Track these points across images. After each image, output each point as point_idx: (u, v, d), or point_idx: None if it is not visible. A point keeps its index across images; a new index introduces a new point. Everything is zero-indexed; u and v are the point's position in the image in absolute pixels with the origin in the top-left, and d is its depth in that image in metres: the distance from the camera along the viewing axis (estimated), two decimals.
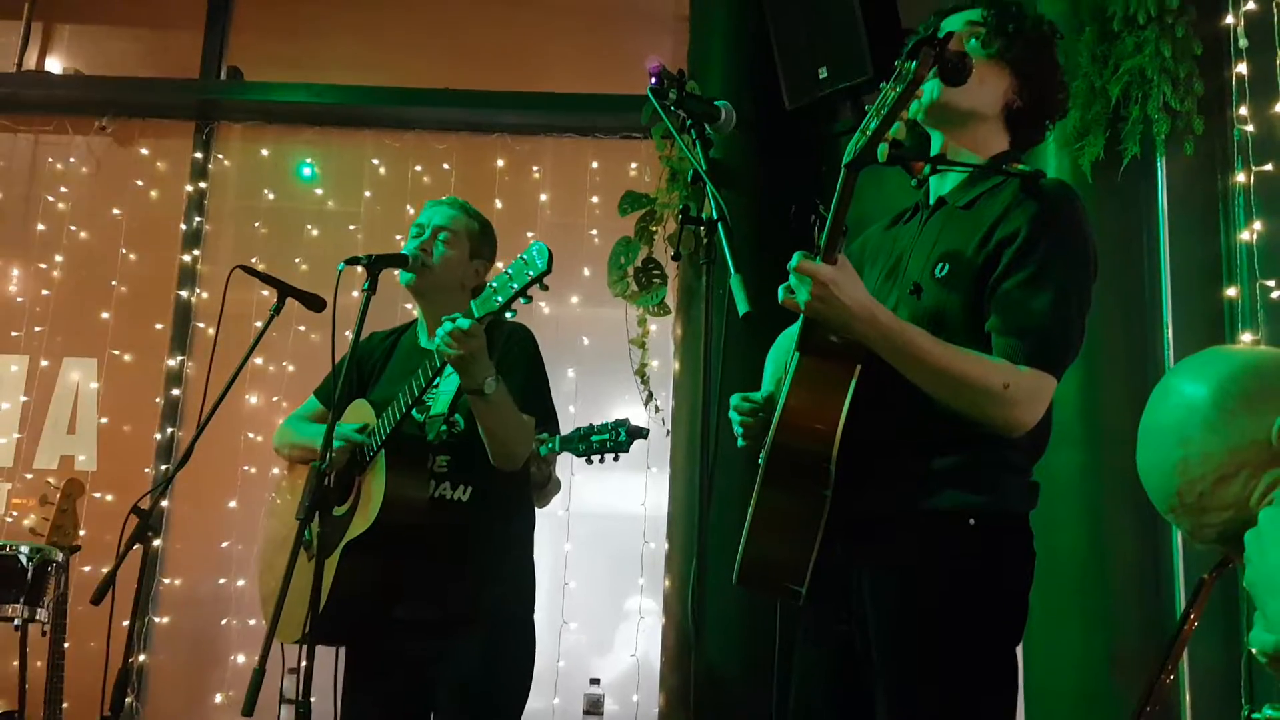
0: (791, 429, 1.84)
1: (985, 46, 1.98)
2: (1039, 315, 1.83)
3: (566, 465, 2.70)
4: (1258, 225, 3.12)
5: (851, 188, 1.83)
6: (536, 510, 2.79)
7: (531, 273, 2.24)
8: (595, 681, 4.25)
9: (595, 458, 2.61)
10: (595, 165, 4.95)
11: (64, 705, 3.37)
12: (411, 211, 4.95)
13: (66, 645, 3.41)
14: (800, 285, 1.81)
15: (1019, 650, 1.91)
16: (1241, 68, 3.19)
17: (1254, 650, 1.14)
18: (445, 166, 5.00)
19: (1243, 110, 3.18)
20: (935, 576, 1.84)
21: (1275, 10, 3.11)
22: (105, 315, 4.94)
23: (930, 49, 1.76)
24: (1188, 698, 2.97)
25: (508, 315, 2.34)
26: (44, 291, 5.00)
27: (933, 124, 2.03)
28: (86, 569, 4.22)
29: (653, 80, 2.18)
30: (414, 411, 2.58)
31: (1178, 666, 2.85)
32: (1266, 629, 1.10)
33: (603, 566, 4.58)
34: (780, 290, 1.86)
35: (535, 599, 2.69)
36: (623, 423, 2.58)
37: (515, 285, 2.27)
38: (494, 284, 2.32)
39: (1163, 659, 1.28)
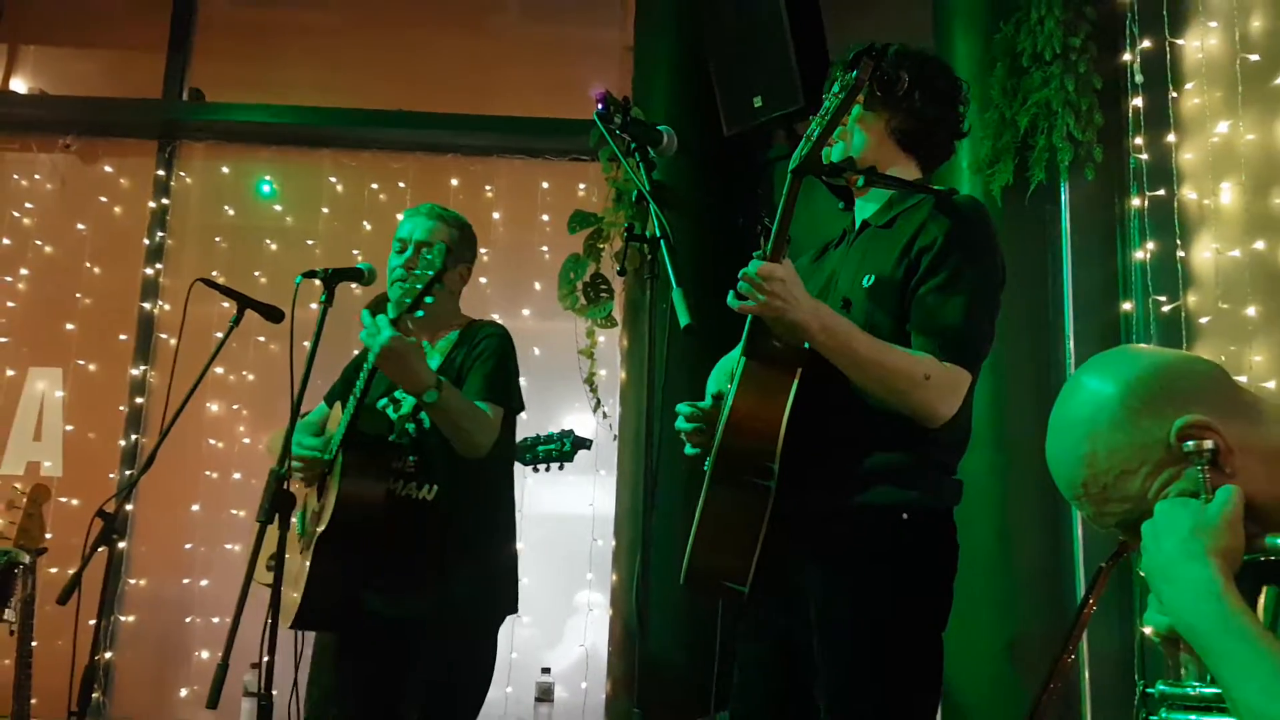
0: (738, 429, 1.87)
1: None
2: (953, 316, 1.89)
3: (520, 470, 2.68)
4: (1151, 245, 3.20)
5: (796, 192, 1.88)
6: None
7: (430, 272, 2.29)
8: (546, 671, 4.24)
9: (542, 466, 2.59)
10: (545, 186, 4.96)
11: (32, 702, 3.29)
12: (369, 228, 4.92)
13: (34, 644, 3.32)
14: (758, 288, 1.83)
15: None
16: (1138, 101, 3.28)
17: (1148, 630, 1.18)
18: (401, 185, 4.97)
19: (1138, 140, 3.27)
20: (871, 567, 1.87)
21: (1168, 48, 3.21)
22: (70, 327, 4.86)
23: (869, 59, 1.81)
24: (1087, 675, 3.04)
25: (418, 313, 2.35)
26: (10, 304, 4.91)
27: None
28: (53, 570, 4.12)
29: (599, 106, 2.19)
30: (389, 410, 2.55)
31: (1078, 647, 2.92)
32: (1160, 611, 1.13)
33: (554, 564, 4.58)
34: (730, 296, 1.87)
35: (515, 595, 2.63)
36: (568, 434, 2.57)
37: (419, 286, 2.32)
38: (405, 285, 2.37)
39: (1064, 641, 1.32)
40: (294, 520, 2.76)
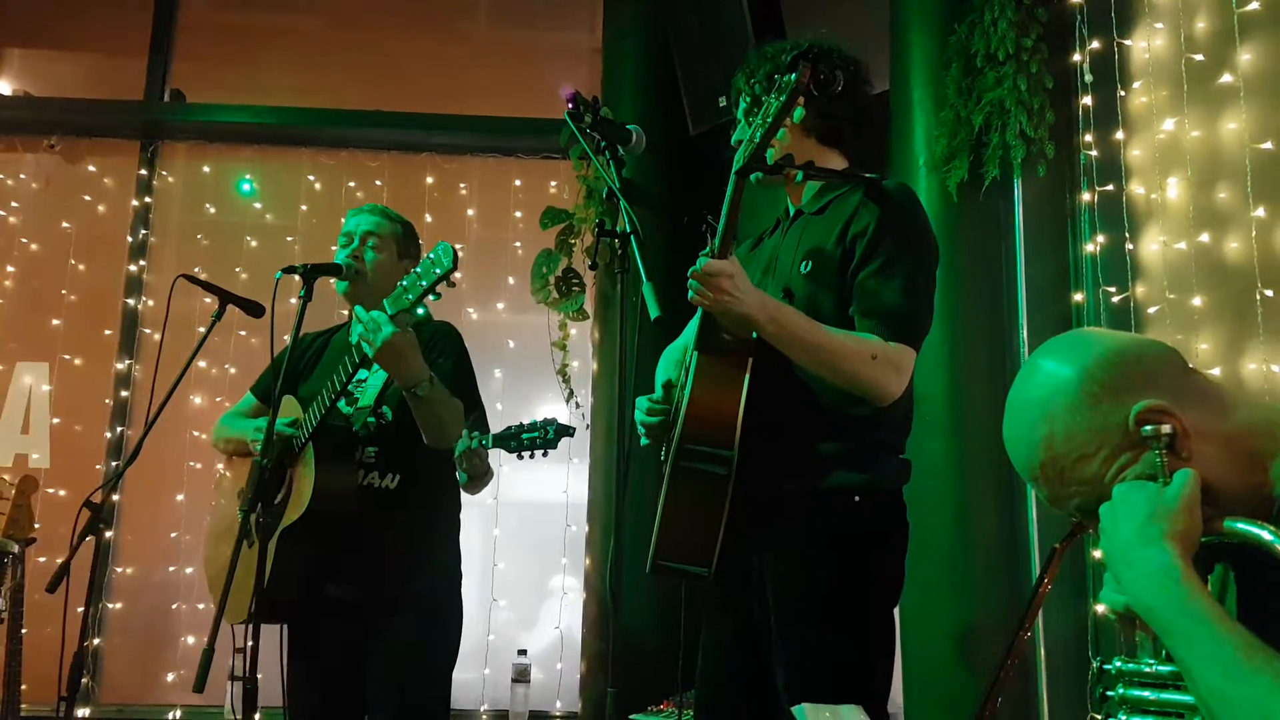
0: (696, 421, 1.86)
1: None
2: (893, 297, 1.89)
3: (496, 457, 2.65)
4: (1100, 239, 3.21)
5: (741, 192, 1.87)
6: (468, 497, 2.74)
7: (439, 270, 2.21)
8: (523, 652, 4.22)
9: (525, 454, 2.56)
10: (518, 183, 4.92)
11: (23, 687, 3.23)
12: None
13: (24, 631, 3.27)
14: (706, 284, 1.81)
15: (896, 613, 1.96)
16: (1087, 100, 3.29)
17: (1103, 609, 1.17)
18: (377, 183, 4.92)
19: (1088, 137, 3.27)
20: (826, 548, 1.88)
21: (1116, 49, 3.21)
22: (56, 322, 4.77)
23: (807, 63, 1.80)
24: (1042, 652, 3.05)
25: (419, 311, 2.29)
26: None
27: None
28: (42, 560, 4.06)
29: (570, 106, 2.16)
30: (342, 404, 2.50)
31: (1034, 625, 2.93)
32: (1116, 591, 1.12)
33: (529, 549, 4.56)
34: (690, 290, 1.86)
35: (462, 579, 2.64)
36: (551, 422, 2.53)
37: (424, 283, 2.24)
38: (404, 283, 2.29)
39: (1020, 619, 1.31)
40: (222, 503, 2.74)
